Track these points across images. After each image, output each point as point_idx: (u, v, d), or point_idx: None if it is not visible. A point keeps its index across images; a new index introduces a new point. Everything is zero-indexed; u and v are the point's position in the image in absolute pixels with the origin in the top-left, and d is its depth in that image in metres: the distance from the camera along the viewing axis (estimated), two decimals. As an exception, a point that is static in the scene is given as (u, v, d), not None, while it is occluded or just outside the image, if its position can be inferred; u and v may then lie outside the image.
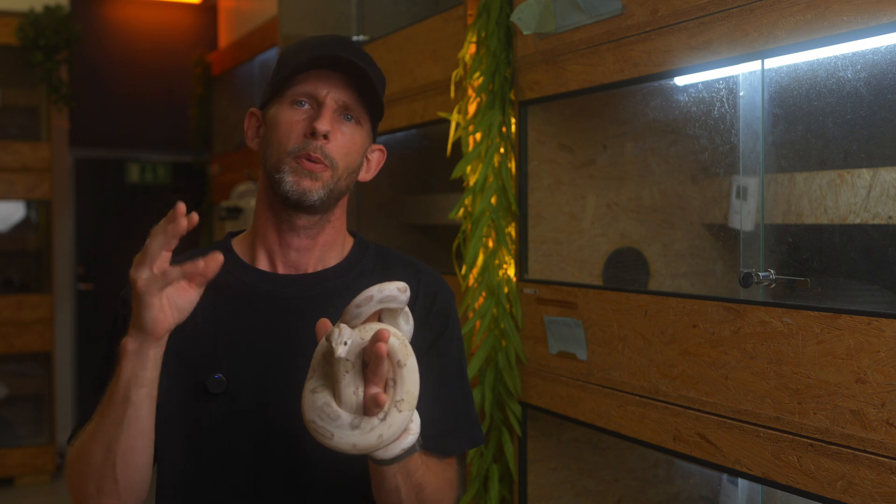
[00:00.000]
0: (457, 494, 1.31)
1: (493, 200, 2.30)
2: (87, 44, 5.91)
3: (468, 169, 2.34)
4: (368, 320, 1.08)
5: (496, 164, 2.30)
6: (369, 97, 1.31)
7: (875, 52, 1.54)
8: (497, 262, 2.32)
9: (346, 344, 1.01)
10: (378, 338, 1.01)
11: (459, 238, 2.39)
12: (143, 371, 1.11)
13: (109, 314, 1.35)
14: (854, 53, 1.57)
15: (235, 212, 4.71)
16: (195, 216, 1.04)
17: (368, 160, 1.37)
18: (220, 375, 1.25)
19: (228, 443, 1.26)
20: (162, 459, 1.27)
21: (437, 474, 1.22)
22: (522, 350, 2.26)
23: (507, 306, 2.29)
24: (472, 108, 2.37)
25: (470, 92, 2.37)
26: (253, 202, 4.65)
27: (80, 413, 1.29)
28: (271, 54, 4.88)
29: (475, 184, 2.31)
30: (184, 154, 6.54)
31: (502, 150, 2.31)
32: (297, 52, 1.31)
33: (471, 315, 2.30)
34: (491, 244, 2.33)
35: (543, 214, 2.30)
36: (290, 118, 1.28)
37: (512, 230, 2.32)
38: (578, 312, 2.05)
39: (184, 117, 6.37)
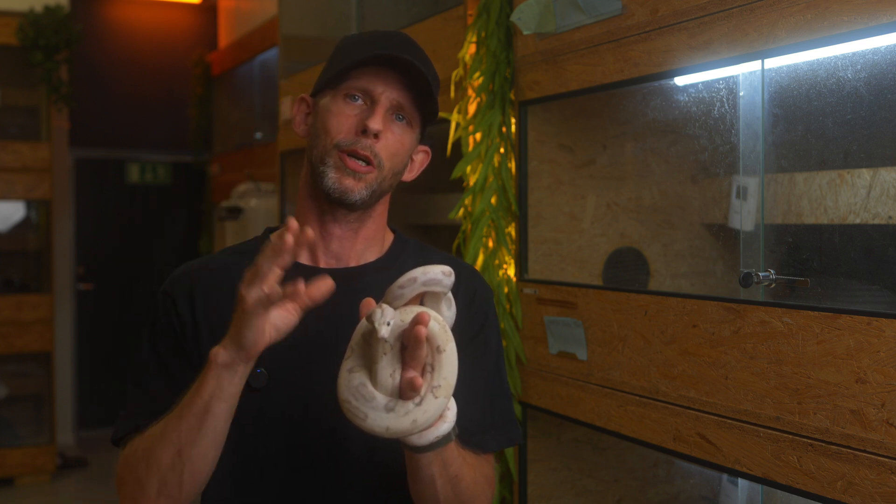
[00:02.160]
0: (494, 492, 1.29)
1: (493, 200, 2.30)
2: (87, 44, 5.91)
3: (468, 169, 2.34)
4: (410, 303, 1.06)
5: (496, 164, 2.30)
6: (424, 100, 1.30)
7: (875, 52, 1.54)
8: (497, 262, 2.32)
9: (388, 325, 0.99)
10: (418, 321, 0.99)
11: (459, 238, 2.39)
12: (229, 386, 1.10)
13: (149, 310, 1.33)
14: (854, 53, 1.57)
15: (235, 212, 4.71)
16: (310, 232, 1.03)
17: (412, 160, 1.36)
18: (262, 370, 1.24)
19: (269, 437, 1.26)
20: None
21: (473, 468, 1.21)
22: (522, 350, 2.26)
23: (508, 306, 2.29)
24: (472, 108, 2.37)
25: (470, 92, 2.37)
26: (253, 202, 4.65)
27: (127, 410, 1.27)
28: (271, 54, 4.88)
29: (475, 184, 2.31)
30: (184, 154, 6.54)
31: (502, 150, 2.31)
32: (358, 46, 1.30)
33: (471, 315, 2.30)
34: (491, 244, 2.33)
35: (543, 214, 2.30)
36: (342, 111, 1.27)
37: (512, 230, 2.32)
38: (578, 312, 2.05)
39: (184, 117, 6.38)
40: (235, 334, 1.07)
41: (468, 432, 1.20)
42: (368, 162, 1.26)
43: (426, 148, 1.39)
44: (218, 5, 6.43)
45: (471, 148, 2.35)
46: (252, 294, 1.04)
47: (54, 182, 5.51)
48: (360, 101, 1.28)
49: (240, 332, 1.06)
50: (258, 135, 5.17)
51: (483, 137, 2.31)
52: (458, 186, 2.51)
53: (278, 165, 4.22)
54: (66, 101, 5.38)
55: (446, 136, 2.48)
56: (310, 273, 1.30)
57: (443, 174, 2.51)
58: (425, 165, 1.40)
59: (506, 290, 2.29)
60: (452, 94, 2.47)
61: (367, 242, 1.34)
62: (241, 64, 5.58)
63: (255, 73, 5.41)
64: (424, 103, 1.31)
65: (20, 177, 5.33)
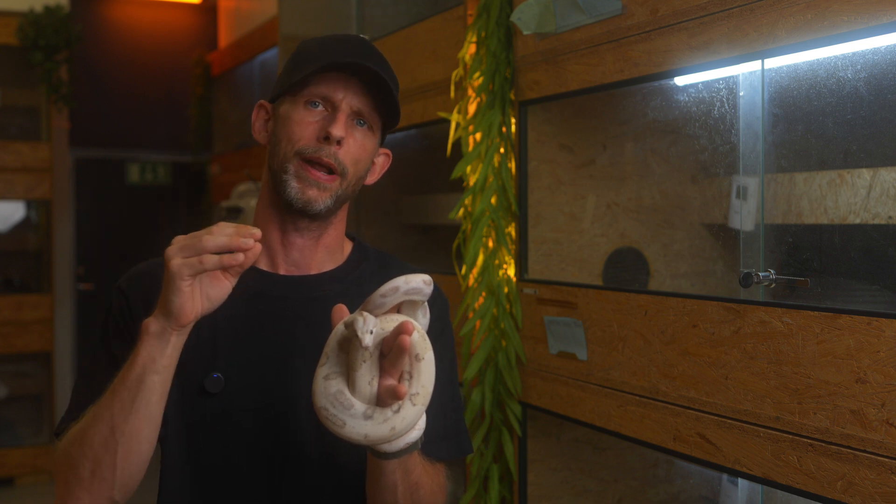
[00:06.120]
0: (445, 500, 1.31)
1: (493, 200, 2.30)
2: (87, 44, 5.91)
3: (468, 169, 2.34)
4: (388, 311, 1.07)
5: (496, 164, 2.30)
6: (385, 105, 1.30)
7: (875, 52, 1.54)
8: (497, 262, 2.31)
9: (371, 333, 0.99)
10: (402, 330, 1.00)
11: (459, 238, 2.39)
12: (160, 357, 1.09)
13: (104, 303, 1.33)
14: (854, 53, 1.57)
15: (235, 212, 4.71)
16: (259, 247, 1.07)
17: (374, 164, 1.37)
18: (219, 375, 1.25)
19: (225, 442, 1.26)
20: (162, 459, 1.27)
21: (430, 476, 1.23)
22: (522, 350, 2.26)
23: (507, 306, 2.29)
24: (472, 108, 2.37)
25: (470, 92, 2.37)
26: (253, 202, 4.65)
27: (72, 402, 1.25)
28: (271, 54, 4.88)
29: (475, 184, 2.31)
30: (184, 154, 6.54)
31: (502, 150, 2.31)
32: (317, 52, 1.29)
33: (471, 315, 2.30)
34: (491, 244, 2.33)
35: (543, 214, 2.30)
36: (303, 118, 1.27)
37: (512, 230, 2.32)
38: (578, 312, 2.05)
39: (184, 117, 6.38)
40: (163, 301, 1.07)
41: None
42: (332, 170, 1.26)
43: (387, 151, 1.39)
44: (218, 5, 6.43)
45: (471, 148, 2.35)
46: (178, 257, 1.05)
47: (54, 182, 5.51)
48: (320, 108, 1.28)
49: (167, 297, 1.07)
50: (258, 135, 5.16)
51: (483, 137, 2.31)
52: (458, 186, 2.51)
53: (278, 165, 4.21)
54: (66, 101, 5.38)
55: (446, 136, 2.48)
56: (269, 280, 1.31)
57: (443, 174, 2.51)
58: (386, 168, 1.40)
59: (506, 290, 2.29)
60: (452, 94, 2.47)
61: (327, 250, 1.34)
62: (240, 64, 5.58)
63: (255, 73, 5.41)
64: (385, 107, 1.31)
65: (20, 177, 5.34)
